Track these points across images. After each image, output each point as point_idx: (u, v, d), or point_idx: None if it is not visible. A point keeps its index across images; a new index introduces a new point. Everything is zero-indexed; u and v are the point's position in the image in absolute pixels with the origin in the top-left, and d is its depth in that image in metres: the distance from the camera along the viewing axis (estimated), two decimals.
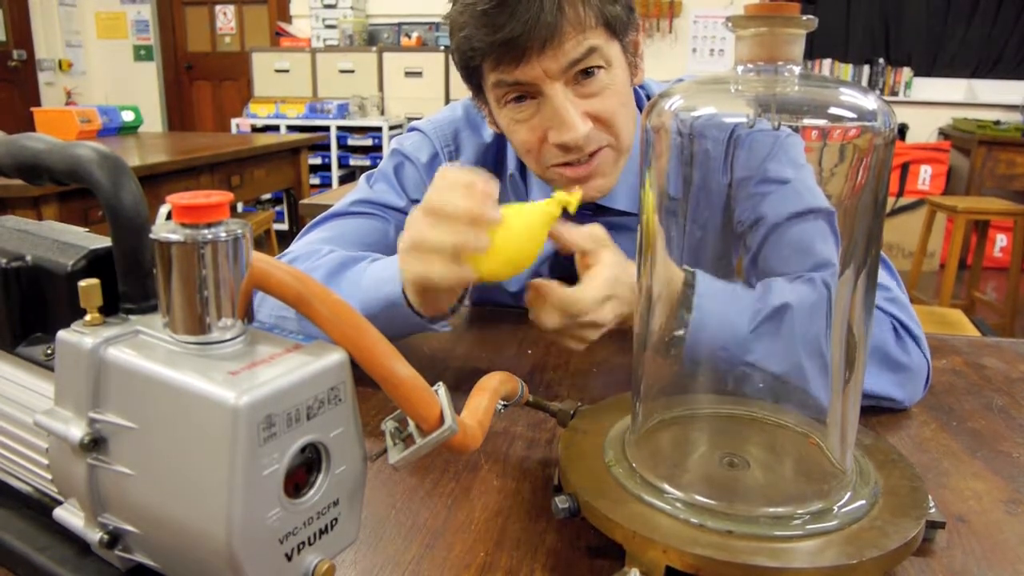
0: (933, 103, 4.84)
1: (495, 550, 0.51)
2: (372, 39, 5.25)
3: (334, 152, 4.91)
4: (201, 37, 5.95)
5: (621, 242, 0.73)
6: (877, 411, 0.73)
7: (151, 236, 0.33)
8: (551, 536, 0.53)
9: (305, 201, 2.19)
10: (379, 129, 4.85)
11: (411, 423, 0.39)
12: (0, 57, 5.35)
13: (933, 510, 0.51)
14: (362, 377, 0.36)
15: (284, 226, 4.32)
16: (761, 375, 0.58)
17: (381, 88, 5.03)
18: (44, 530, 0.41)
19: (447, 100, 4.86)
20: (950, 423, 0.73)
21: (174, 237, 0.32)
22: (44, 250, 0.40)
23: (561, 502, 0.49)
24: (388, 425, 0.43)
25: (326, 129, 4.83)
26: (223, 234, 0.32)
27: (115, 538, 0.36)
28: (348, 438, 0.36)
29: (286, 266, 0.35)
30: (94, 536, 0.36)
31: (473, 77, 0.83)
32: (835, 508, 0.47)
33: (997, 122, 4.42)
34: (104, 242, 0.39)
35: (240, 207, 4.58)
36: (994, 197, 3.92)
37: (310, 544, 0.35)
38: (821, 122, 0.49)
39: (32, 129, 0.97)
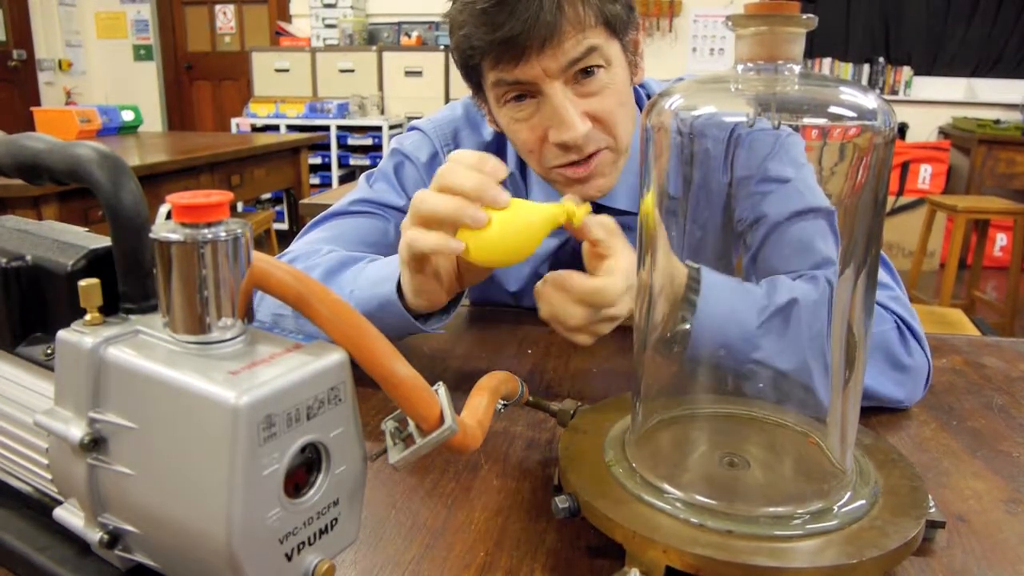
0: (933, 102, 4.84)
1: (495, 550, 0.51)
2: (372, 38, 5.25)
3: (334, 152, 4.91)
4: (201, 37, 5.95)
5: None
6: (877, 411, 0.73)
7: (151, 236, 0.33)
8: (551, 536, 0.53)
9: (305, 201, 2.19)
10: (379, 129, 4.85)
11: (411, 423, 0.39)
12: (0, 57, 5.35)
13: (933, 510, 0.51)
14: (362, 377, 0.36)
15: (284, 226, 4.32)
16: (763, 374, 0.57)
17: (381, 88, 5.03)
18: (44, 530, 0.41)
19: (447, 99, 4.86)
20: (950, 423, 0.73)
21: (174, 237, 0.32)
22: (44, 250, 0.40)
23: (561, 502, 0.49)
24: (388, 425, 0.43)
25: (326, 129, 4.83)
26: (223, 234, 0.32)
27: (115, 538, 0.36)
28: (348, 438, 0.35)
29: (286, 266, 0.35)
30: (94, 536, 0.36)
31: (473, 76, 0.83)
32: (835, 508, 0.47)
33: (997, 121, 4.42)
34: (104, 242, 0.39)
35: (240, 207, 4.59)
36: (994, 196, 3.92)
37: (310, 544, 0.35)
38: (821, 121, 0.49)
39: (32, 129, 0.97)
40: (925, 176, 4.59)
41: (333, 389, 0.34)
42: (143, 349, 0.34)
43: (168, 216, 0.33)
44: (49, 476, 0.38)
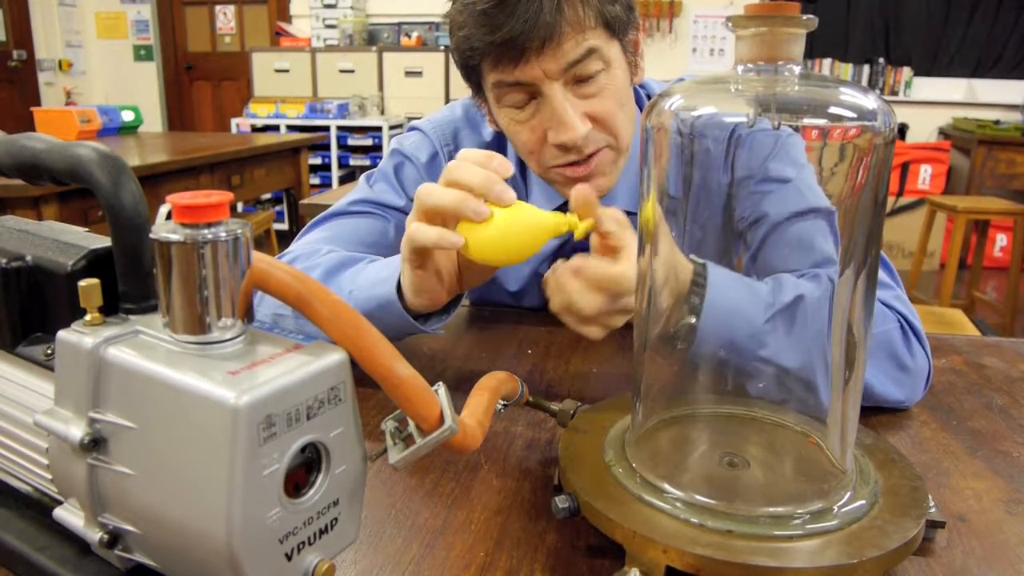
0: (933, 103, 4.84)
1: (495, 550, 0.51)
2: (372, 39, 5.25)
3: (334, 152, 4.91)
4: (201, 37, 5.95)
5: None
6: (877, 411, 0.73)
7: (151, 236, 0.33)
8: (551, 536, 0.53)
9: (305, 201, 2.19)
10: (379, 129, 4.85)
11: (411, 423, 0.39)
12: (0, 57, 5.35)
13: (933, 510, 0.51)
14: (362, 377, 0.36)
15: (284, 226, 4.32)
16: (767, 372, 0.57)
17: (381, 88, 5.03)
18: (44, 530, 0.41)
19: (447, 100, 4.86)
20: (950, 423, 0.73)
21: (174, 237, 0.32)
22: (44, 250, 0.40)
23: (561, 502, 0.49)
24: (388, 425, 0.43)
25: (326, 129, 4.84)
26: (223, 234, 0.32)
27: (115, 538, 0.36)
28: (348, 438, 0.36)
29: (286, 266, 0.35)
30: (94, 536, 0.36)
31: (473, 76, 0.83)
32: (835, 508, 0.47)
33: (997, 122, 4.43)
34: (104, 242, 0.39)
35: (240, 207, 4.59)
36: (994, 197, 3.93)
37: (310, 544, 0.35)
38: (821, 122, 0.49)
39: (32, 129, 0.97)
40: (925, 177, 4.59)
41: (333, 389, 0.34)
42: (143, 349, 0.34)
43: (168, 216, 0.33)
44: (49, 476, 0.38)
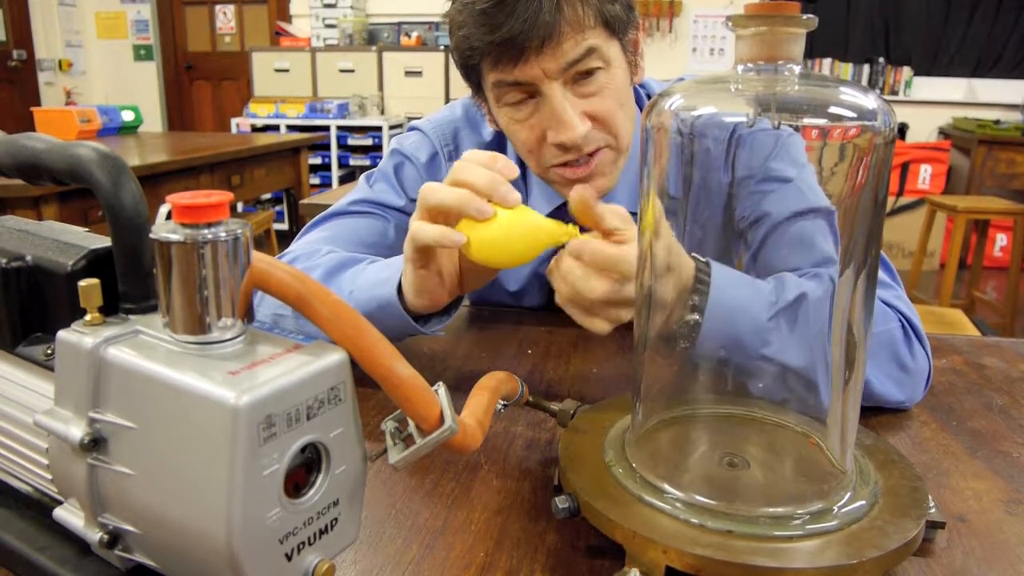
0: (933, 102, 4.84)
1: (495, 550, 0.51)
2: (372, 39, 5.25)
3: (334, 152, 4.91)
4: (201, 37, 5.95)
5: None
6: (877, 411, 0.73)
7: (151, 236, 0.33)
8: (551, 536, 0.53)
9: (305, 201, 2.19)
10: (379, 129, 4.85)
11: (411, 423, 0.39)
12: (0, 57, 5.35)
13: (933, 510, 0.51)
14: (362, 377, 0.36)
15: (284, 226, 4.32)
16: (769, 371, 0.57)
17: (381, 88, 5.03)
18: (44, 530, 0.41)
19: (447, 99, 4.86)
20: (950, 423, 0.73)
21: (174, 237, 0.32)
22: (44, 250, 0.40)
23: (561, 502, 0.49)
24: (388, 425, 0.43)
25: (326, 129, 4.83)
26: (223, 234, 0.32)
27: (115, 538, 0.36)
28: (348, 438, 0.35)
29: (286, 266, 0.35)
30: (94, 536, 0.36)
31: (472, 76, 0.83)
32: (835, 508, 0.47)
33: (997, 121, 4.42)
34: (104, 242, 0.39)
35: (240, 207, 4.59)
36: (994, 196, 3.92)
37: (310, 544, 0.35)
38: (821, 121, 0.49)
39: (32, 129, 0.97)
40: (925, 176, 4.59)
41: (333, 389, 0.34)
42: (143, 349, 0.34)
43: (168, 216, 0.33)
44: (49, 476, 0.38)
